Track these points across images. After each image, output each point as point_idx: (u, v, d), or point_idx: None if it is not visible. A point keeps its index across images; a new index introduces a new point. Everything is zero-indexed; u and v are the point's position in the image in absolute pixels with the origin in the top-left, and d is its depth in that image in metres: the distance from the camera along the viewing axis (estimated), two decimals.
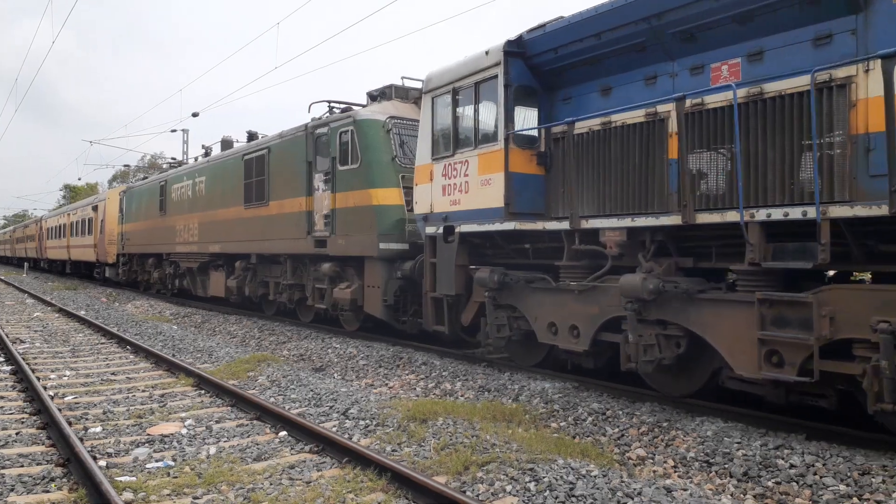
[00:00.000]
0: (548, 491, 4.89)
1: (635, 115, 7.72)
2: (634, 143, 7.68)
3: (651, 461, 5.92)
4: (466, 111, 9.59)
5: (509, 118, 8.75)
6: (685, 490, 4.94)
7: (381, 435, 6.50)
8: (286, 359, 11.56)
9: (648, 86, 7.81)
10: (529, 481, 5.08)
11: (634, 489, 4.83)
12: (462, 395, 8.53)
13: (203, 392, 8.69)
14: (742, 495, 5.17)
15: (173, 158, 38.31)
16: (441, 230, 9.83)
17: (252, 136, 18.52)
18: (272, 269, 15.78)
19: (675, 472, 5.69)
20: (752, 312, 6.12)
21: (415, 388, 9.09)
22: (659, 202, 7.39)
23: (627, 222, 7.34)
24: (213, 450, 6.14)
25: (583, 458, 5.71)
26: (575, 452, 5.82)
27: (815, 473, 5.27)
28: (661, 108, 7.46)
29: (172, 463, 5.78)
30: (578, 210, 8.03)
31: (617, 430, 6.69)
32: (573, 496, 4.78)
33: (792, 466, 5.41)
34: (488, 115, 9.21)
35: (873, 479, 5.05)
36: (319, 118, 13.82)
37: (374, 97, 13.06)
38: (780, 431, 6.26)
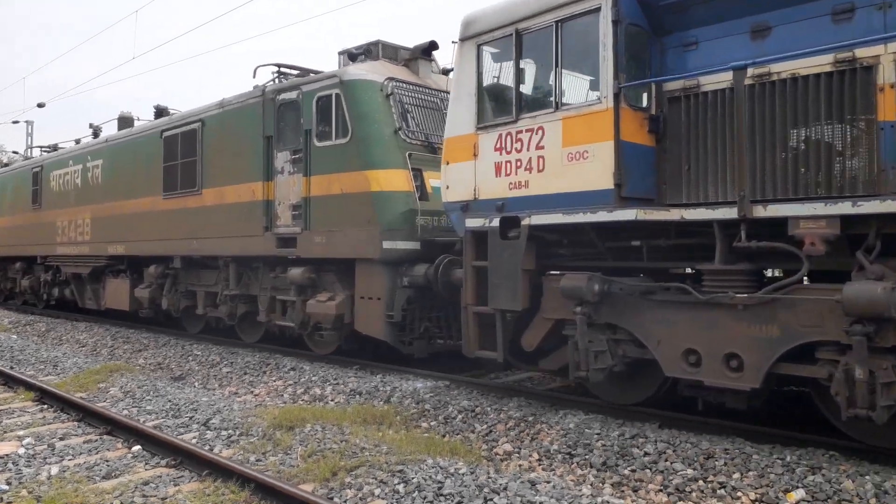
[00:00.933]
0: (416, 492, 4.97)
1: (816, 63, 5.58)
2: (814, 101, 5.56)
3: (517, 455, 6.10)
4: (539, 60, 7.07)
5: (620, 67, 6.35)
6: (548, 482, 5.13)
7: (245, 445, 6.35)
8: (142, 368, 10.84)
9: (838, 22, 5.66)
10: (398, 483, 5.12)
11: (501, 484, 5.00)
12: (332, 400, 8.31)
13: (46, 407, 8.08)
14: (601, 484, 5.41)
15: (15, 152, 33.58)
16: (495, 223, 7.26)
17: (162, 112, 14.97)
18: (202, 276, 12.46)
19: (540, 465, 5.87)
20: None
21: (282, 395, 8.73)
22: (867, 181, 5.30)
23: (843, 208, 5.16)
24: (55, 470, 5.79)
25: (452, 456, 5.80)
26: (444, 451, 5.90)
27: (666, 460, 5.58)
28: (862, 52, 5.36)
29: (6, 487, 5.40)
30: (714, 192, 5.82)
31: (485, 426, 6.79)
32: (441, 495, 4.89)
33: (646, 454, 5.71)
34: (579, 63, 6.76)
35: (717, 462, 5.44)
36: (273, 83, 10.77)
37: (354, 56, 10.22)
38: (636, 422, 6.59)
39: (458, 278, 8.52)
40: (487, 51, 7.50)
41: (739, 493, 4.96)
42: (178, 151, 12.49)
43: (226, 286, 11.60)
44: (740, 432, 6.13)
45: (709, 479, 5.18)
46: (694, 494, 5.06)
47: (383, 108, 9.20)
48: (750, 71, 5.90)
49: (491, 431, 6.66)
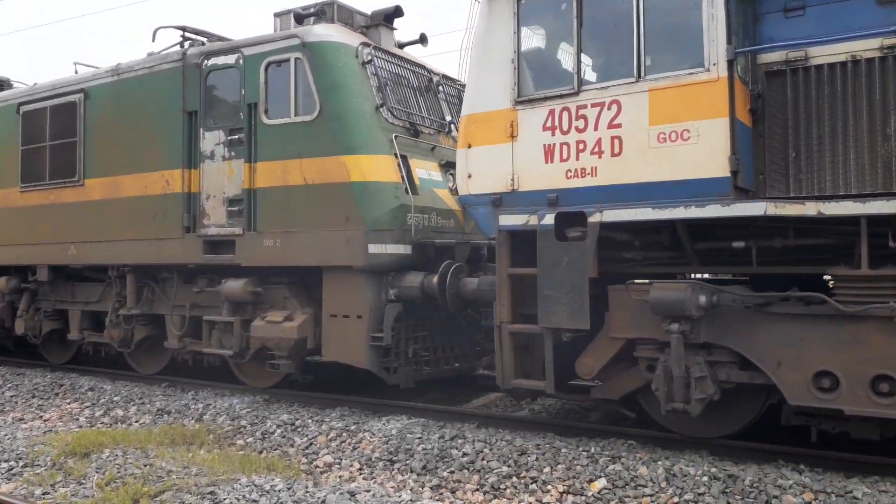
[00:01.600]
0: None
1: None
2: None
3: (338, 466, 5.98)
4: (610, 17, 5.72)
5: (731, 27, 5.17)
6: (368, 491, 5.16)
7: (30, 477, 5.82)
8: None
9: None
10: None
11: (319, 498, 4.99)
12: (137, 421, 7.76)
13: None
14: (420, 488, 5.41)
15: None
16: (548, 220, 5.81)
17: (3, 85, 11.85)
18: (78, 291, 9.74)
19: (361, 474, 5.79)
20: None
21: (78, 419, 8.01)
22: None
23: None
24: None
25: (269, 472, 5.67)
26: (261, 468, 5.77)
27: (483, 459, 5.69)
28: None
29: None
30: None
31: (305, 439, 6.61)
32: None
33: (464, 455, 5.78)
34: (668, 21, 5.49)
35: (529, 458, 5.60)
36: (193, 46, 8.53)
37: (301, 18, 8.26)
38: (457, 423, 6.68)
39: (471, 290, 6.96)
40: (531, 5, 6.04)
41: (549, 487, 5.16)
42: (45, 131, 9.66)
43: (120, 304, 9.03)
44: (551, 427, 6.44)
45: (522, 476, 5.36)
46: (508, 491, 5.23)
47: (360, 79, 7.39)
48: (882, 41, 4.99)
49: (311, 444, 6.49)
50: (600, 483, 5.10)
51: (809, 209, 4.95)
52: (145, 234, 8.50)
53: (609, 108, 5.60)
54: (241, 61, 7.83)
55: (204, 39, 8.94)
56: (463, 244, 7.53)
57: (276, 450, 6.47)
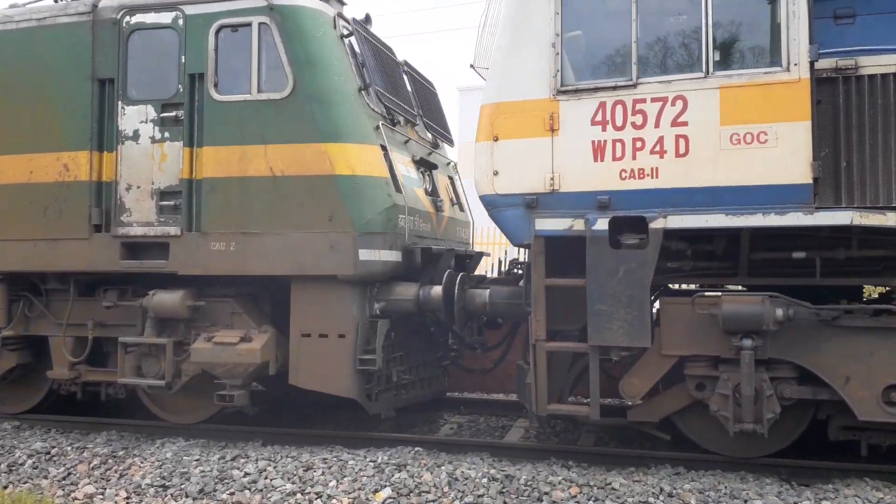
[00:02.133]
0: None
1: None
2: None
3: (101, 497, 5.57)
4: (673, 3, 5.23)
5: (812, 26, 4.92)
6: None
7: None
8: None
9: None
10: None
11: None
12: None
13: None
14: None
15: None
16: (601, 225, 5.19)
17: None
18: None
19: (129, 502, 5.48)
20: None
21: None
22: None
23: None
24: None
25: None
26: None
27: (266, 477, 5.53)
28: None
29: None
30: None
31: (63, 468, 6.07)
32: None
33: (246, 475, 5.59)
34: (739, 13, 5.12)
35: (315, 473, 5.50)
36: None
37: None
38: (239, 441, 6.47)
39: (480, 303, 6.13)
40: None
41: (334, 501, 5.10)
42: None
43: None
44: (340, 440, 6.35)
45: (307, 492, 5.25)
46: None
47: (341, 54, 6.25)
48: None
49: (70, 473, 5.96)
50: (385, 493, 5.13)
51: (890, 219, 4.81)
52: (31, 234, 6.60)
53: (673, 105, 5.11)
54: (180, 21, 6.33)
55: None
56: (449, 252, 6.68)
57: (25, 483, 5.85)
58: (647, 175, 5.16)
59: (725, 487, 4.96)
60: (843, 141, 5.12)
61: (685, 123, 5.08)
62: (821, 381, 5.09)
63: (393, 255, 6.08)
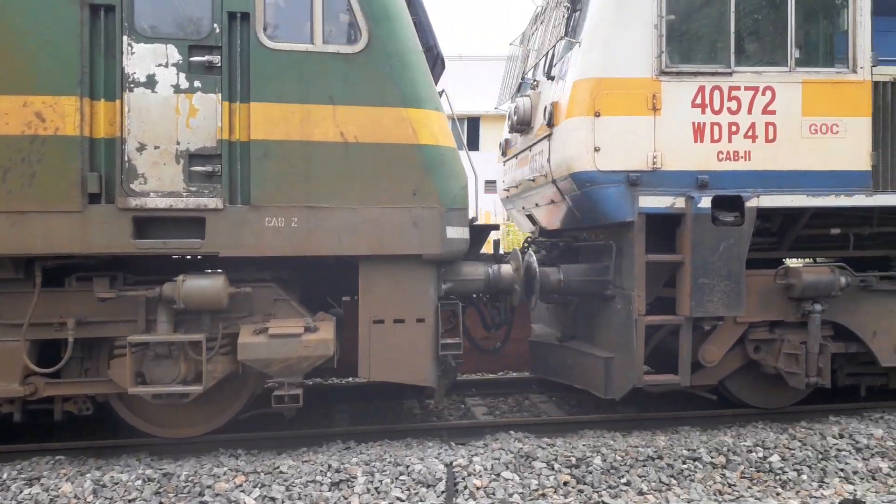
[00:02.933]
0: None
1: None
2: None
3: None
4: None
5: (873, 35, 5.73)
6: None
7: None
8: None
9: None
10: None
11: None
12: None
13: None
14: None
15: None
16: (704, 203, 5.52)
17: None
18: None
19: None
20: None
21: None
22: None
23: None
24: None
25: None
26: None
27: None
28: None
29: None
30: None
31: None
32: None
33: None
34: (817, 15, 5.74)
35: None
36: None
37: None
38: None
39: (555, 280, 6.05)
40: None
41: None
42: None
43: None
44: None
45: None
46: None
47: (406, 10, 5.58)
48: None
49: None
50: None
51: None
52: None
53: (763, 94, 5.59)
54: None
55: None
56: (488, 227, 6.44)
57: None
58: (742, 157, 5.59)
59: (390, 456, 5.18)
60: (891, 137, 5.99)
61: (773, 112, 5.61)
62: (851, 337, 6.07)
63: (466, 234, 5.69)
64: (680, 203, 5.53)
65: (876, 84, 5.77)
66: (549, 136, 5.95)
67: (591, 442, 5.56)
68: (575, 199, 5.77)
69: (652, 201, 5.54)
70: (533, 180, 6.41)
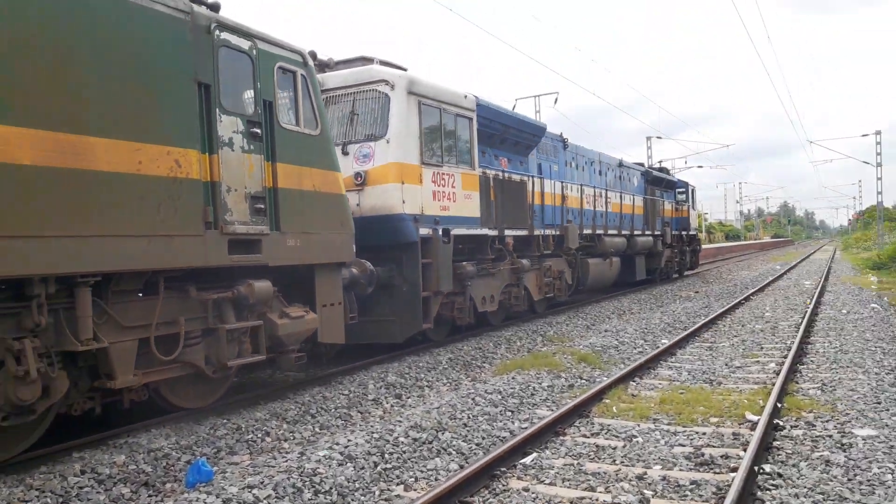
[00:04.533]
0: None
1: None
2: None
3: None
4: None
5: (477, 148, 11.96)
6: None
7: None
8: None
9: None
10: None
11: None
12: None
13: None
14: None
15: None
16: (439, 231, 10.70)
17: None
18: None
19: None
20: None
21: None
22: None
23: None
24: None
25: None
26: None
27: None
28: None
29: None
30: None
31: None
32: None
33: None
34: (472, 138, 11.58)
35: None
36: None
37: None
38: None
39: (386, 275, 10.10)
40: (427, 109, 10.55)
41: None
42: None
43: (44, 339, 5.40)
44: None
45: None
46: None
47: None
48: None
49: None
50: None
51: None
52: (139, 229, 6.04)
53: (451, 176, 11.14)
54: (254, 52, 7.43)
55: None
56: None
57: None
58: (449, 209, 10.99)
59: None
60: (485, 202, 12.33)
61: (454, 186, 11.22)
62: None
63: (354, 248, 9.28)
64: (431, 232, 10.53)
65: (482, 175, 12.10)
66: (360, 190, 9.99)
67: None
68: (385, 228, 10.02)
69: (422, 230, 10.35)
70: None
